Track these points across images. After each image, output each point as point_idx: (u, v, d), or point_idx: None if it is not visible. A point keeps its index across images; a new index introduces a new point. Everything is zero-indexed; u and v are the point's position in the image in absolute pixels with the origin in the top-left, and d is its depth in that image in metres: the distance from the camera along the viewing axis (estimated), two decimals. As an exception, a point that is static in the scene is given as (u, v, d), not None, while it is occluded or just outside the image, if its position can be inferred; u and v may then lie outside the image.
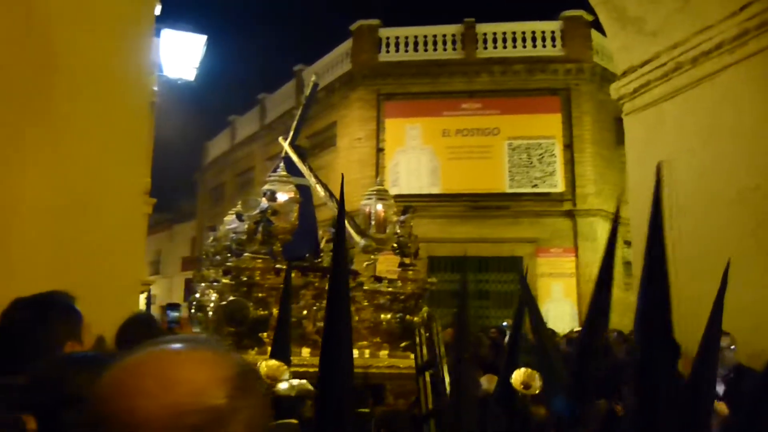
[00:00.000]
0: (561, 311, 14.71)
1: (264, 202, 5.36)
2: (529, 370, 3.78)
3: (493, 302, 15.01)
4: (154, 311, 21.60)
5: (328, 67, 18.58)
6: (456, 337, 4.73)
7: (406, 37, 16.96)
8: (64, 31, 2.67)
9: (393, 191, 15.77)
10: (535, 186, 15.58)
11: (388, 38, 17.08)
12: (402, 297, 5.76)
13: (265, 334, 5.16)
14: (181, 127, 16.85)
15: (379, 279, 5.82)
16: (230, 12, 34.58)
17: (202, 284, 6.90)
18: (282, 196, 5.47)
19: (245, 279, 5.27)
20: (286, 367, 3.65)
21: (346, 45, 17.76)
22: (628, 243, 13.82)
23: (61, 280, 2.46)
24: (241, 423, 0.73)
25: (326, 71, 18.61)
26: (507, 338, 8.52)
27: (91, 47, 3.19)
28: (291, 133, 7.41)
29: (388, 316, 5.63)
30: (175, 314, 7.57)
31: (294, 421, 3.29)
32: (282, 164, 6.37)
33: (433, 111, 16.32)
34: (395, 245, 5.89)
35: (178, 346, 0.78)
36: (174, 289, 25.76)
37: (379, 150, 16.46)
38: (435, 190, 16.00)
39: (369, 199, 6.02)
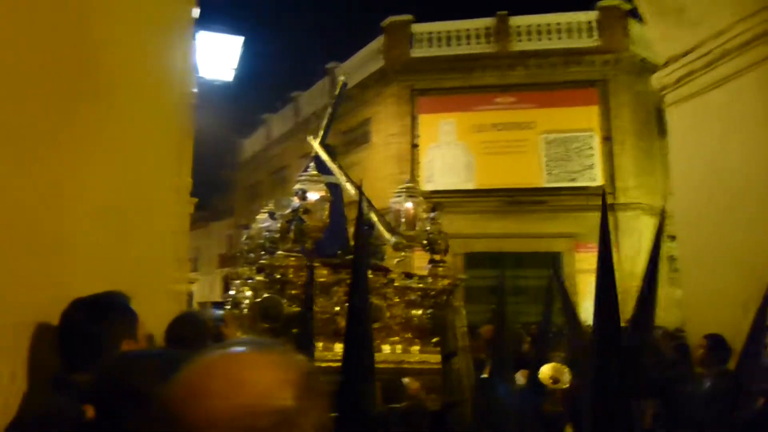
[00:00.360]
0: (601, 307, 14.48)
1: (296, 201, 5.45)
2: (558, 364, 3.84)
3: (530, 298, 14.84)
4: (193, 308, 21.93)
5: (361, 63, 18.60)
6: (495, 334, 4.75)
7: (439, 32, 16.88)
8: (108, 37, 2.72)
9: (427, 187, 15.86)
10: (572, 180, 15.37)
11: (420, 34, 17.01)
12: (432, 293, 5.82)
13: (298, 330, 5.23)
14: (217, 126, 17.05)
15: (409, 275, 5.90)
16: (264, 12, 34.86)
17: (237, 281, 7.04)
18: (313, 195, 5.59)
19: (278, 276, 5.39)
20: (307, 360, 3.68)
21: (379, 41, 17.75)
22: (672, 237, 13.59)
23: (114, 279, 2.51)
24: (308, 424, 0.75)
25: (359, 68, 18.64)
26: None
27: (135, 52, 3.25)
28: (321, 133, 7.51)
29: (419, 312, 5.69)
30: (220, 312, 7.71)
31: None
32: (312, 163, 6.46)
33: (467, 106, 16.21)
34: (425, 242, 5.94)
35: (245, 348, 0.81)
36: (212, 286, 26.14)
37: (414, 146, 16.42)
38: (470, 186, 15.90)
39: (399, 196, 6.10)
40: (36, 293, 1.96)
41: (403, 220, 6.00)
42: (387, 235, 6.06)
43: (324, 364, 4.52)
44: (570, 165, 15.41)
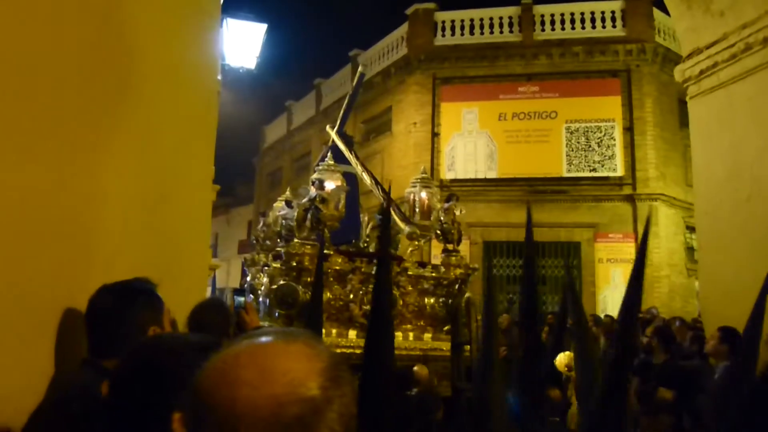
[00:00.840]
0: (620, 297, 14.39)
1: (313, 191, 5.57)
2: (573, 353, 3.85)
3: (549, 287, 14.87)
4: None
5: (384, 51, 18.60)
6: (521, 321, 4.84)
7: (462, 20, 16.82)
8: (138, 29, 2.79)
9: (449, 176, 15.90)
10: (593, 170, 15.29)
11: (444, 22, 16.96)
12: (445, 282, 5.94)
13: None
14: (240, 112, 17.18)
15: (423, 264, 6.04)
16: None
17: (253, 268, 7.15)
18: (330, 185, 5.68)
19: (295, 264, 5.48)
20: None
21: (402, 29, 17.72)
22: (691, 228, 13.50)
23: (141, 266, 2.61)
24: (335, 412, 0.77)
25: (382, 56, 18.64)
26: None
27: (163, 42, 3.31)
28: (338, 122, 7.58)
29: (432, 300, 5.82)
30: (241, 299, 7.83)
31: None
32: (330, 153, 6.53)
33: (490, 95, 16.16)
34: (438, 232, 6.04)
35: (273, 338, 0.82)
36: (231, 272, 26.36)
37: (435, 134, 16.43)
38: (492, 175, 15.89)
39: (414, 187, 6.20)
40: (64, 279, 2.01)
41: (417, 210, 6.08)
42: (401, 224, 6.15)
43: (338, 350, 4.56)
44: (591, 155, 15.34)
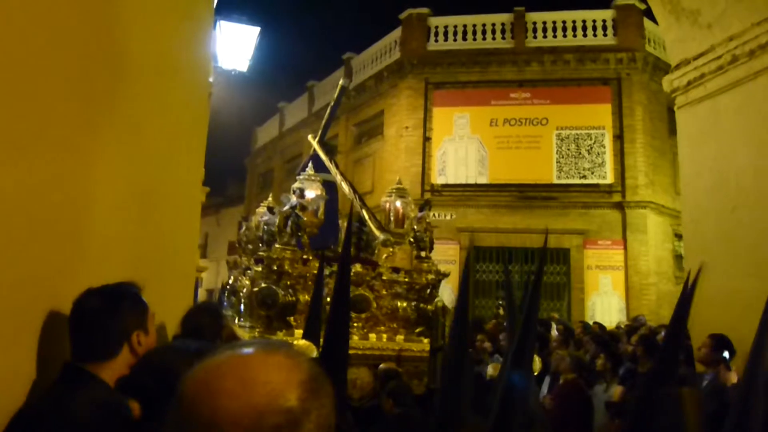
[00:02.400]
0: (608, 304, 14.56)
1: (294, 199, 5.89)
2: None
3: (539, 293, 14.90)
4: (201, 296, 22.11)
5: (377, 55, 18.64)
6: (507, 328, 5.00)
7: (455, 26, 16.90)
8: (130, 29, 2.79)
9: (440, 180, 15.95)
10: (583, 177, 15.39)
11: (437, 27, 17.04)
12: (417, 287, 6.23)
13: (292, 318, 5.56)
14: (232, 113, 17.15)
15: (396, 270, 6.32)
16: (283, 1, 34.87)
17: (235, 271, 7.37)
18: (310, 194, 6.06)
19: (275, 268, 5.75)
20: (314, 347, 4.02)
21: (396, 33, 17.79)
22: (679, 236, 13.58)
23: (128, 270, 2.61)
24: (313, 423, 0.79)
25: (375, 60, 18.68)
26: (554, 330, 8.53)
27: (155, 43, 3.31)
28: (320, 132, 7.82)
29: (404, 304, 6.10)
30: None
31: None
32: (311, 162, 6.76)
33: (482, 100, 16.24)
34: (411, 240, 6.36)
35: (255, 350, 0.84)
36: (221, 273, 26.27)
37: (426, 139, 16.48)
38: (482, 180, 15.95)
39: (389, 196, 6.58)
40: (50, 281, 2.00)
41: (392, 218, 6.48)
42: (377, 232, 6.54)
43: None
44: (581, 162, 15.44)
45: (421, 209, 6.46)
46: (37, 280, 1.91)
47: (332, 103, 8.56)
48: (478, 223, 15.47)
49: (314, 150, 7.71)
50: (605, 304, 14.57)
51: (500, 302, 14.42)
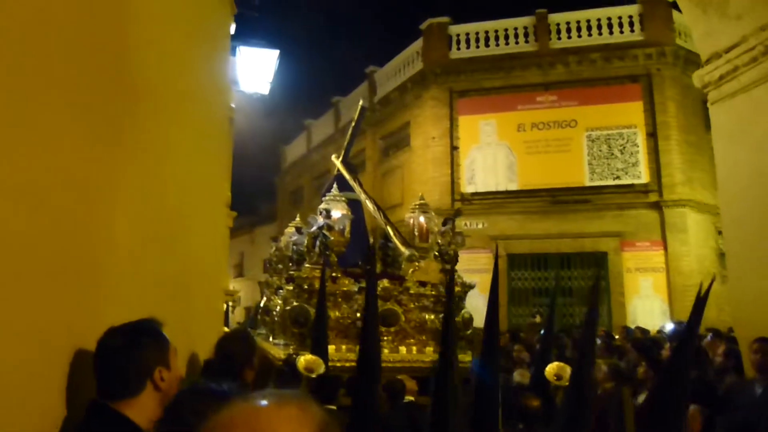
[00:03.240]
0: (650, 307, 14.17)
1: (320, 219, 6.07)
2: (561, 363, 4.07)
3: (577, 299, 14.62)
4: (239, 314, 22.25)
5: (400, 67, 18.63)
6: (543, 339, 4.94)
7: (477, 33, 16.79)
8: (148, 56, 2.78)
9: (469, 189, 15.81)
10: (617, 178, 15.08)
11: (458, 35, 16.96)
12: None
13: None
14: (259, 134, 17.30)
15: (423, 284, 6.38)
16: (303, 20, 35.24)
17: (267, 290, 7.52)
18: (336, 213, 6.21)
19: (306, 287, 5.93)
20: (321, 361, 4.18)
21: (417, 44, 17.76)
22: (722, 233, 13.18)
23: (154, 302, 2.58)
24: None
25: (398, 72, 18.67)
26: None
27: (173, 70, 3.32)
28: (342, 152, 8.00)
29: (432, 316, 6.20)
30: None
31: (333, 407, 3.84)
32: (335, 183, 7.03)
33: (508, 106, 16.07)
34: (436, 254, 6.43)
35: (265, 402, 0.84)
36: (257, 290, 26.43)
37: (454, 148, 16.36)
38: (512, 187, 15.75)
39: (413, 212, 6.72)
40: (78, 318, 2.04)
41: (416, 233, 6.60)
42: (402, 247, 6.70)
43: (348, 364, 5.15)
44: (614, 162, 15.13)
45: (444, 223, 6.52)
46: (64, 319, 1.96)
47: (353, 123, 8.67)
48: (510, 230, 15.25)
49: (338, 170, 7.80)
50: (647, 308, 14.19)
51: (537, 309, 14.18)
